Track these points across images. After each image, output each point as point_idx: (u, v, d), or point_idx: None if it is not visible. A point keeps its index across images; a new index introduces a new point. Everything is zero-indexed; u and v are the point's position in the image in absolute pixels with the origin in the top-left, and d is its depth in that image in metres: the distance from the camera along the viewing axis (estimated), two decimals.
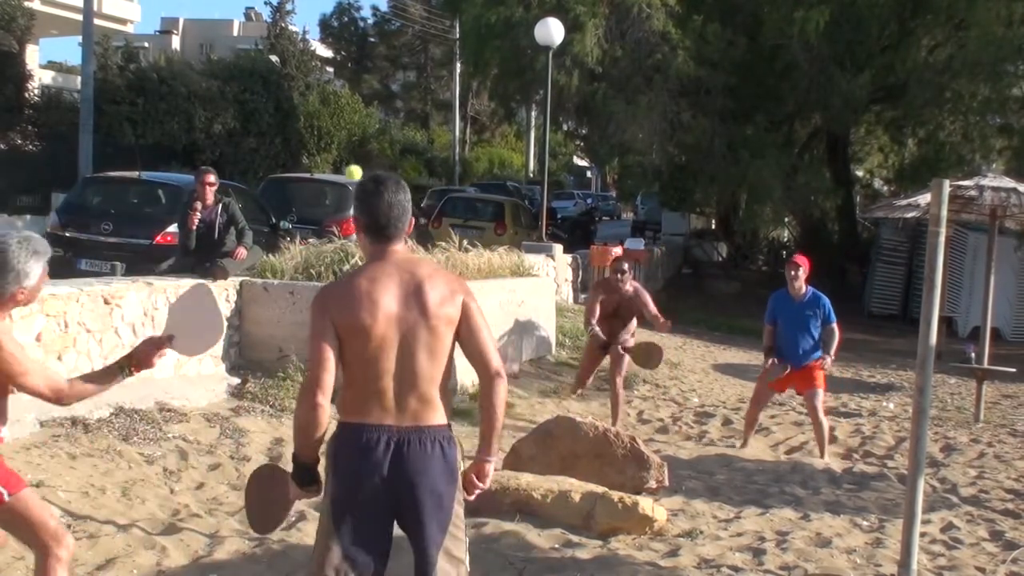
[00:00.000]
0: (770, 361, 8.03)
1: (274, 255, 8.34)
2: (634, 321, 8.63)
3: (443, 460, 3.01)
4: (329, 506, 3.01)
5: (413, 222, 3.17)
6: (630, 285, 8.51)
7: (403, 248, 3.12)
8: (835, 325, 7.93)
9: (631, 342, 8.58)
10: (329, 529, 3.00)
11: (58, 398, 3.31)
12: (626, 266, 8.62)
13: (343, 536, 2.96)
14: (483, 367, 3.07)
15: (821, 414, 8.06)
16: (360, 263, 8.02)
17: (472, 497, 3.12)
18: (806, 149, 24.07)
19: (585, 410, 8.81)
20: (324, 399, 2.96)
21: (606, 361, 8.73)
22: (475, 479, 3.10)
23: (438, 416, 3.03)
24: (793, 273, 7.90)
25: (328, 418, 3.00)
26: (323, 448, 3.09)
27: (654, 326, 8.59)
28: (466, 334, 3.06)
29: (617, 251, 16.01)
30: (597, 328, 8.34)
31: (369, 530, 2.99)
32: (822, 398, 8.07)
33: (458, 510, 3.06)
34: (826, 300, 7.98)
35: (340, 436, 3.04)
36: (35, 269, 3.28)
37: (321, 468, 3.11)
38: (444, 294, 3.04)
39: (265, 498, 3.30)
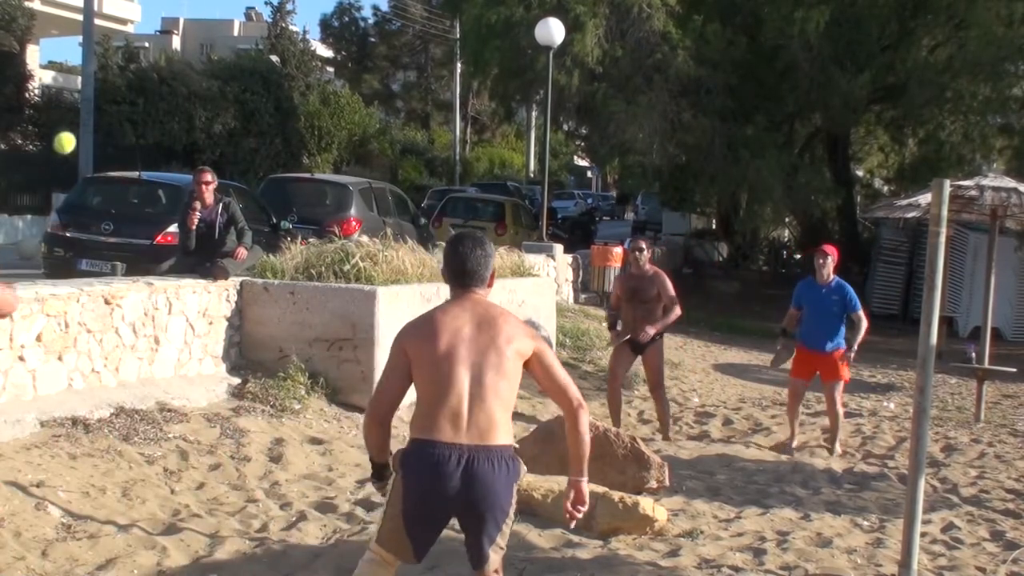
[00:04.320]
0: (779, 344, 8.20)
1: (274, 255, 8.33)
2: (660, 312, 8.19)
3: (507, 476, 3.27)
4: (401, 509, 3.29)
5: (494, 275, 3.50)
6: (649, 266, 8.28)
7: (483, 294, 3.43)
8: (861, 314, 8.18)
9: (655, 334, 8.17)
10: (398, 524, 3.31)
11: None
12: (644, 244, 8.43)
13: (412, 532, 3.31)
14: (566, 402, 3.38)
15: (838, 406, 8.31)
16: (361, 262, 8.08)
17: (574, 523, 3.49)
18: (806, 149, 24.05)
19: None
20: (378, 424, 3.38)
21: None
22: (575, 503, 3.44)
23: (504, 436, 3.29)
24: (821, 261, 8.21)
25: (383, 439, 3.41)
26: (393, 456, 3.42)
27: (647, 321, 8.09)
28: (543, 373, 3.38)
29: (618, 251, 16.03)
30: (612, 313, 8.42)
31: (430, 530, 3.36)
32: (841, 391, 8.33)
33: (511, 510, 3.35)
34: (850, 289, 8.26)
35: (410, 452, 3.28)
36: None
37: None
38: (517, 331, 3.35)
39: None
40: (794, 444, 8.43)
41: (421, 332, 3.32)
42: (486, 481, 3.21)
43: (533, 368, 3.37)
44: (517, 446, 3.38)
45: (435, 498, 3.22)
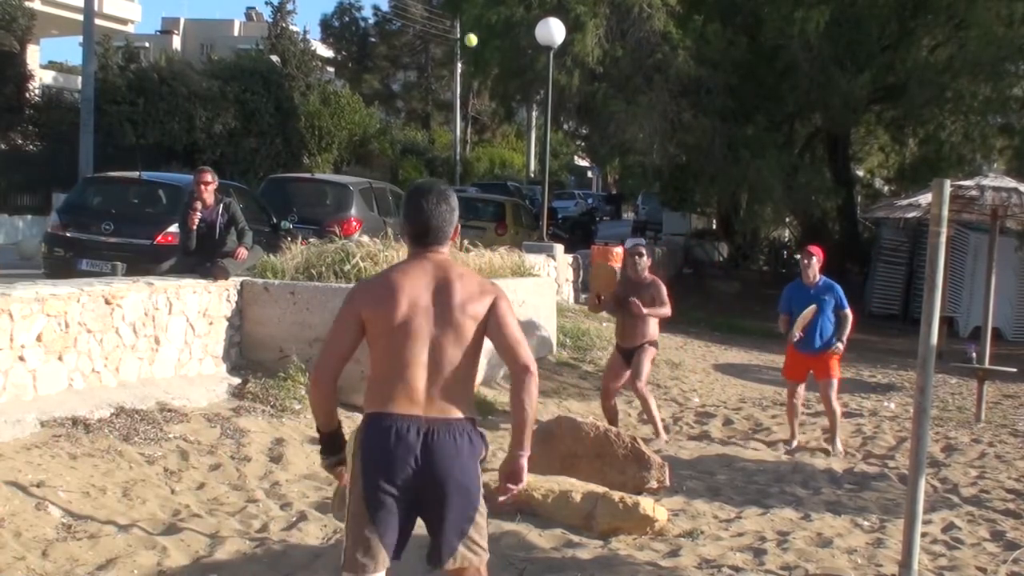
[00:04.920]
0: (794, 334, 8.20)
1: (275, 255, 8.34)
2: (653, 323, 8.17)
3: (471, 452, 3.07)
4: (362, 491, 3.04)
5: (458, 228, 3.27)
6: (648, 274, 8.22)
7: (445, 252, 3.20)
8: (848, 311, 8.27)
9: (650, 338, 8.13)
10: (361, 512, 3.04)
11: None
12: (643, 250, 8.37)
13: (375, 518, 3.02)
14: (512, 361, 3.10)
15: (835, 403, 8.36)
16: (361, 262, 8.07)
17: (506, 498, 3.17)
18: (806, 149, 24.07)
19: (586, 410, 8.81)
20: (323, 379, 3.09)
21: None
22: (509, 479, 3.11)
23: (465, 409, 3.10)
24: (806, 261, 8.31)
25: (330, 403, 3.14)
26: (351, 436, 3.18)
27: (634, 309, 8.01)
28: (495, 329, 3.11)
29: (618, 251, 16.01)
30: (609, 303, 8.34)
31: (396, 516, 3.05)
32: (836, 388, 8.38)
33: (481, 500, 3.14)
34: (838, 287, 8.34)
35: (367, 425, 3.09)
36: None
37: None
38: (472, 292, 3.11)
39: None
40: (794, 444, 8.44)
41: (378, 298, 3.07)
42: (448, 454, 3.00)
43: (487, 324, 3.09)
44: (479, 418, 3.16)
45: (397, 471, 2.99)
